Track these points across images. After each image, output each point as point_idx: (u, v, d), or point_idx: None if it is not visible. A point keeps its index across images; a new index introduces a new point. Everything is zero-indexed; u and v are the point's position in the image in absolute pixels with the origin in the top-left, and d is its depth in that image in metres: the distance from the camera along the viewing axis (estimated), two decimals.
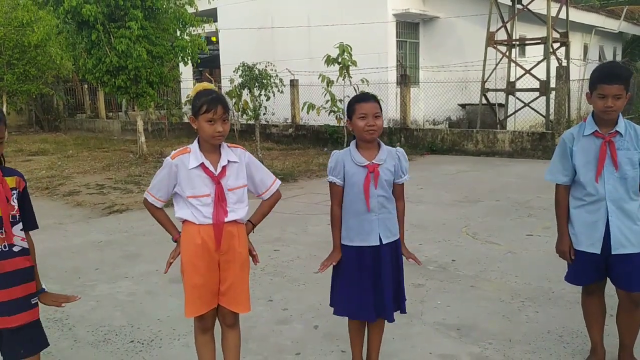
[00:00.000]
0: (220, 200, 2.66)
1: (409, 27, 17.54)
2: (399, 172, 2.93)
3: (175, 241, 2.84)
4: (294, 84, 15.87)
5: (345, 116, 3.00)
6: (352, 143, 2.94)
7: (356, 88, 12.57)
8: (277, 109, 13.51)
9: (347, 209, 2.91)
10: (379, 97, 3.13)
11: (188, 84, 20.63)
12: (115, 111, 24.29)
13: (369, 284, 2.89)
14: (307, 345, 3.61)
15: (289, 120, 16.40)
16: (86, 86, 24.35)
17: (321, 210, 7.44)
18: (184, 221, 2.73)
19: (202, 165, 2.65)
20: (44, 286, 2.52)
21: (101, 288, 4.79)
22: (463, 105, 16.35)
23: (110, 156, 14.13)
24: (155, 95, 13.57)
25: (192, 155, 2.67)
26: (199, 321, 2.83)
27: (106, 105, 23.81)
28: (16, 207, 2.35)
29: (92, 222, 7.34)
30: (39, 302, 2.46)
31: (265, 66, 11.85)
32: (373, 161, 2.85)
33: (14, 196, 2.35)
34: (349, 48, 12.61)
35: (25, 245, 2.40)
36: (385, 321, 2.99)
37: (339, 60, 12.73)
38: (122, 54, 11.96)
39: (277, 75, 12.04)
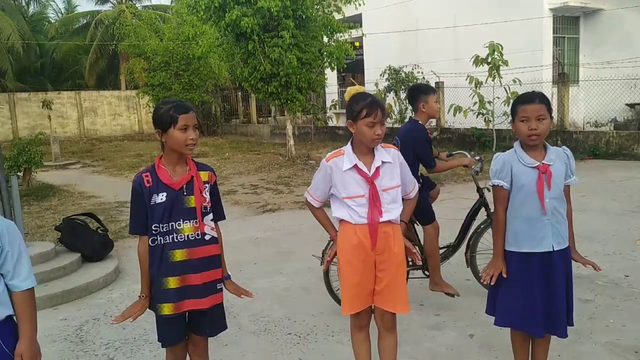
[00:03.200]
0: (374, 200, 2.67)
1: (567, 22, 16.24)
2: (568, 172, 2.71)
3: (333, 240, 2.91)
4: (439, 85, 15.53)
5: (510, 117, 2.84)
6: (516, 144, 2.77)
7: (507, 89, 11.95)
8: None
9: (514, 213, 2.75)
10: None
11: (333, 89, 21.22)
12: (265, 116, 25.78)
13: (537, 294, 2.70)
14: (464, 353, 3.49)
15: (433, 123, 16.07)
16: (240, 93, 26.17)
17: None
18: (341, 221, 2.79)
19: (355, 166, 2.69)
20: (229, 273, 2.74)
21: (259, 282, 5.09)
22: (632, 105, 14.70)
23: (262, 158, 15.02)
24: (304, 100, 14.14)
25: (346, 157, 2.72)
26: (355, 319, 2.87)
27: (257, 110, 25.36)
28: (208, 199, 2.58)
29: (248, 220, 7.85)
30: (223, 288, 2.68)
31: (412, 69, 11.74)
32: (543, 161, 2.67)
33: (206, 189, 2.58)
34: (500, 47, 12.03)
35: (215, 234, 2.63)
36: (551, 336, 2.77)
37: (489, 60, 12.22)
38: (275, 62, 12.66)
39: (423, 78, 11.87)
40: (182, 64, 19.45)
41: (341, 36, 14.36)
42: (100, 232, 6.06)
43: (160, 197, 2.49)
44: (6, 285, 2.06)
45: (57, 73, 30.84)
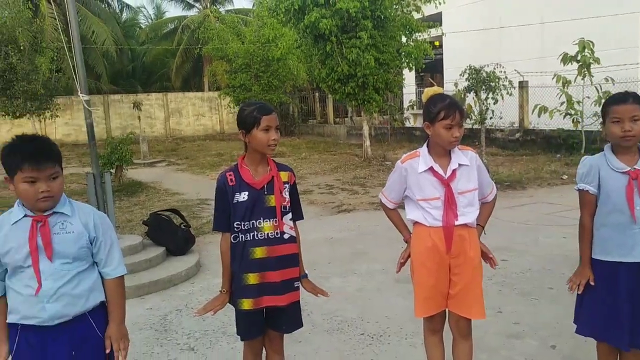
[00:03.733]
0: (450, 203, 2.63)
1: None
2: None
3: (406, 242, 2.88)
4: (522, 85, 14.92)
5: (600, 119, 2.69)
6: (607, 147, 2.62)
7: (599, 88, 11.29)
8: (503, 113, 12.87)
9: (602, 220, 2.60)
10: None
11: (410, 89, 20.96)
12: (342, 117, 25.91)
13: (623, 305, 2.55)
14: None
15: (516, 125, 15.46)
16: (317, 94, 26.48)
17: (554, 222, 6.85)
18: (415, 223, 2.76)
19: (431, 169, 2.65)
20: (306, 272, 2.80)
21: (334, 281, 5.14)
22: None
23: (338, 159, 15.11)
24: (381, 101, 14.08)
25: (422, 159, 2.69)
26: (429, 322, 2.84)
27: (334, 111, 25.55)
28: (287, 199, 2.65)
29: (323, 219, 7.94)
30: (300, 286, 2.74)
31: (494, 68, 11.37)
32: (635, 167, 2.51)
33: (286, 189, 2.66)
34: (591, 44, 11.39)
35: (293, 233, 2.69)
36: None
37: (578, 57, 11.59)
38: (352, 62, 12.70)
39: (506, 77, 11.46)
40: (261, 65, 19.97)
41: (420, 36, 14.16)
42: (184, 227, 6.36)
43: (243, 196, 2.56)
44: (100, 273, 2.23)
45: (146, 76, 32.64)
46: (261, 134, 2.53)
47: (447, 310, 2.78)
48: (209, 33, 21.21)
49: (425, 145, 2.74)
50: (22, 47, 15.87)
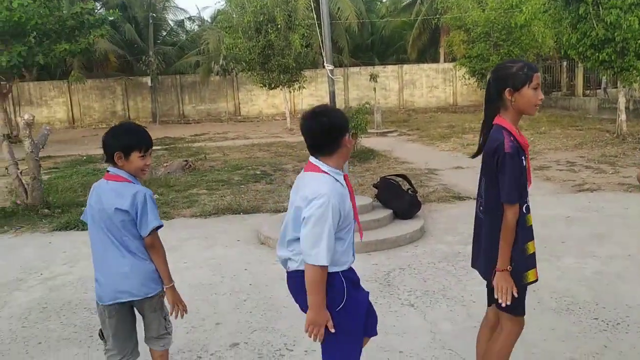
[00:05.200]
0: None
1: None
2: None
3: None
4: None
5: None
6: None
7: None
8: None
9: None
10: None
11: None
12: (594, 89, 23.13)
13: None
14: None
15: None
16: (565, 63, 24.06)
17: None
18: None
19: None
20: None
21: (566, 261, 4.75)
22: None
23: (584, 134, 13.64)
24: None
25: None
26: None
27: (584, 81, 22.95)
28: None
29: (560, 197, 7.32)
30: None
31: None
32: None
33: None
34: None
35: None
36: None
37: None
38: (610, 25, 11.20)
39: None
40: (502, 34, 18.90)
41: None
42: (411, 193, 6.53)
43: (524, 161, 2.37)
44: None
45: (384, 49, 33.64)
46: (531, 92, 2.36)
47: None
48: (448, 2, 20.83)
49: None
50: (279, 26, 17.86)
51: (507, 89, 2.37)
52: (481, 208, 2.49)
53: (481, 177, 2.49)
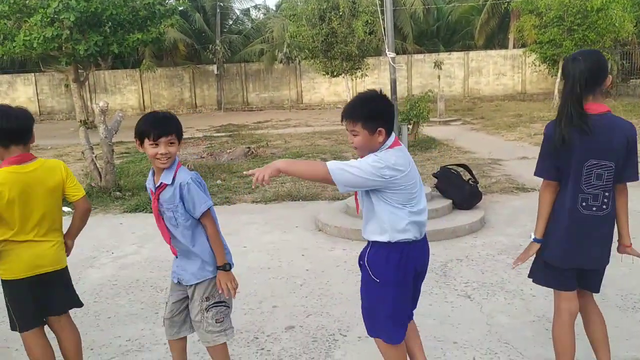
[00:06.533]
0: None
1: None
2: None
3: None
4: None
5: None
6: None
7: None
8: None
9: None
10: None
11: None
12: None
13: None
14: None
15: None
16: None
17: None
18: None
19: None
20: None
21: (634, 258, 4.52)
22: None
23: None
24: None
25: None
26: None
27: None
28: None
29: (635, 191, 6.93)
30: None
31: None
32: None
33: None
34: None
35: None
36: None
37: None
38: None
39: None
40: (577, 17, 17.98)
41: None
42: (472, 183, 6.40)
43: None
44: None
45: (450, 35, 32.79)
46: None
47: None
48: None
49: None
50: (342, 13, 17.80)
51: (608, 77, 2.46)
52: (604, 201, 2.50)
53: (592, 170, 2.45)
